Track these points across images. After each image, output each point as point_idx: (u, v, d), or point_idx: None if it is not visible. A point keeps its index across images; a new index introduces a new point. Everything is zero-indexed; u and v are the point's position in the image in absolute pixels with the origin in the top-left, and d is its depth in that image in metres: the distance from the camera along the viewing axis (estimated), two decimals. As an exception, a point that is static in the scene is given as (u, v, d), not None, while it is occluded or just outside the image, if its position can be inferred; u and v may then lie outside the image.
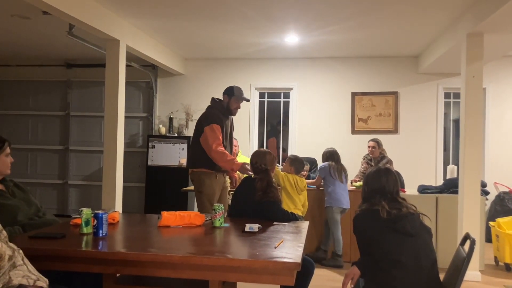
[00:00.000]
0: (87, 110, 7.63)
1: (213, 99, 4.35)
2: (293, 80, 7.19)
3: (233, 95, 4.23)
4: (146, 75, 7.34)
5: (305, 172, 6.33)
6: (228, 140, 4.32)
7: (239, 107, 4.31)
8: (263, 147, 7.29)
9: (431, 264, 2.34)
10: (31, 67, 7.70)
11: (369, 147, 5.77)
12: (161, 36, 6.00)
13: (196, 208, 4.39)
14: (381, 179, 2.58)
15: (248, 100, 4.36)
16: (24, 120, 7.80)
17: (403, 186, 5.58)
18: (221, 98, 4.34)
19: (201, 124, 4.17)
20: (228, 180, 4.47)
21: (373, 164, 5.79)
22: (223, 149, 4.07)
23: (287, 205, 4.42)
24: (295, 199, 4.51)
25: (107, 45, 5.20)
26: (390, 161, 5.64)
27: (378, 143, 5.74)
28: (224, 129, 4.18)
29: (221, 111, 4.24)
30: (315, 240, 5.20)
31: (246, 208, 3.25)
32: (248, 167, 3.91)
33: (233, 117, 4.49)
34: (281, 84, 7.24)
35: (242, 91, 4.32)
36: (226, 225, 2.95)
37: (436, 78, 6.87)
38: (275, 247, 2.31)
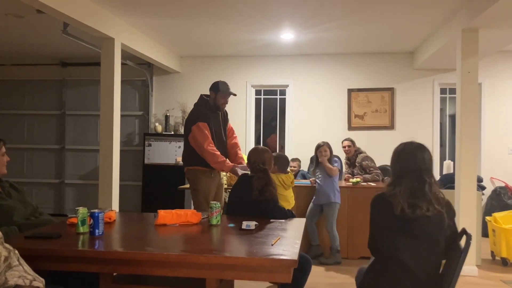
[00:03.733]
0: (83, 109, 7.60)
1: (200, 96, 4.29)
2: (289, 77, 7.18)
3: (219, 91, 4.17)
4: (141, 73, 7.32)
5: (294, 168, 6.36)
6: (223, 135, 4.27)
7: (226, 102, 4.24)
8: (260, 144, 7.28)
9: (431, 267, 2.25)
10: (26, 66, 7.66)
11: (344, 147, 5.71)
12: (156, 34, 5.99)
13: (193, 206, 4.38)
14: (416, 156, 2.34)
15: (235, 95, 4.27)
16: (19, 119, 7.77)
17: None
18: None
19: (188, 123, 4.15)
20: (224, 177, 4.46)
21: (349, 162, 5.76)
22: (214, 148, 4.02)
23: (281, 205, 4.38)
24: (286, 195, 4.47)
25: (102, 43, 5.18)
26: (367, 157, 5.60)
27: (352, 141, 5.72)
28: (212, 126, 4.12)
29: (208, 107, 4.19)
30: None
31: (242, 205, 3.25)
32: (239, 170, 3.92)
33: (228, 113, 4.45)
34: (277, 81, 7.24)
35: (228, 85, 4.23)
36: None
37: (431, 73, 6.88)
38: (272, 245, 2.31)
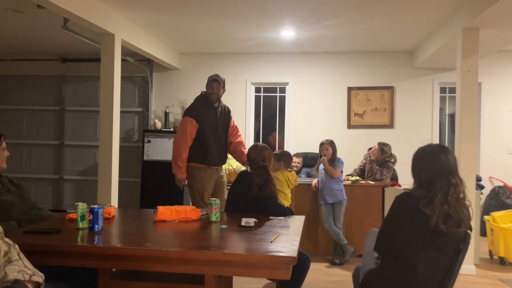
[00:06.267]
0: (82, 105, 7.58)
1: (201, 92, 4.33)
2: (289, 75, 7.18)
3: (207, 83, 4.21)
4: (141, 70, 7.31)
5: (296, 164, 6.22)
6: (220, 132, 4.26)
7: (214, 93, 4.17)
8: (259, 142, 7.27)
9: (442, 275, 2.21)
10: (26, 62, 7.63)
11: (373, 150, 5.53)
12: (156, 30, 5.97)
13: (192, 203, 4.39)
14: (441, 158, 2.20)
15: (216, 80, 4.16)
16: (18, 115, 7.74)
17: (397, 181, 5.60)
18: None
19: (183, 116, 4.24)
20: (224, 174, 4.46)
21: (371, 164, 5.63)
22: (185, 150, 4.07)
23: (280, 202, 4.35)
24: (287, 194, 4.45)
25: (102, 39, 5.17)
26: (390, 168, 5.42)
27: (382, 149, 5.44)
28: (202, 120, 4.12)
29: (204, 103, 4.21)
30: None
31: (242, 203, 3.26)
32: (182, 185, 4.13)
33: (231, 110, 4.44)
34: (277, 78, 7.23)
35: (214, 75, 4.20)
36: (224, 226, 2.75)
37: (431, 72, 6.88)
38: (271, 241, 2.31)
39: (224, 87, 4.25)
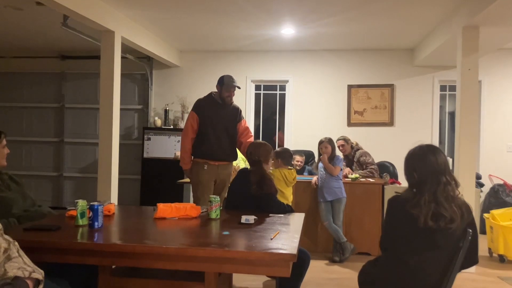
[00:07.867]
0: (82, 102, 7.58)
1: (211, 93, 4.44)
2: (289, 73, 7.17)
3: (223, 84, 4.27)
4: (141, 67, 7.30)
5: (299, 163, 6.13)
6: (224, 130, 4.29)
7: (230, 96, 4.31)
8: (259, 139, 7.25)
9: (443, 272, 2.21)
10: (25, 59, 7.62)
11: (337, 146, 5.49)
12: (156, 27, 5.97)
13: (191, 200, 4.42)
14: (429, 159, 2.25)
15: (239, 87, 4.37)
16: (18, 112, 7.74)
17: (397, 178, 5.60)
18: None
19: None
20: (230, 173, 4.44)
21: (348, 159, 5.65)
22: (185, 141, 4.25)
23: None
24: (285, 193, 4.44)
25: (102, 36, 5.16)
26: (364, 153, 5.53)
27: (345, 140, 5.58)
28: (203, 114, 4.24)
29: (210, 100, 4.32)
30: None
31: (242, 200, 3.26)
32: (189, 175, 4.30)
33: (241, 111, 4.50)
34: (277, 76, 7.22)
35: (232, 79, 4.30)
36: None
37: (432, 70, 6.87)
38: (271, 239, 2.32)
39: None
